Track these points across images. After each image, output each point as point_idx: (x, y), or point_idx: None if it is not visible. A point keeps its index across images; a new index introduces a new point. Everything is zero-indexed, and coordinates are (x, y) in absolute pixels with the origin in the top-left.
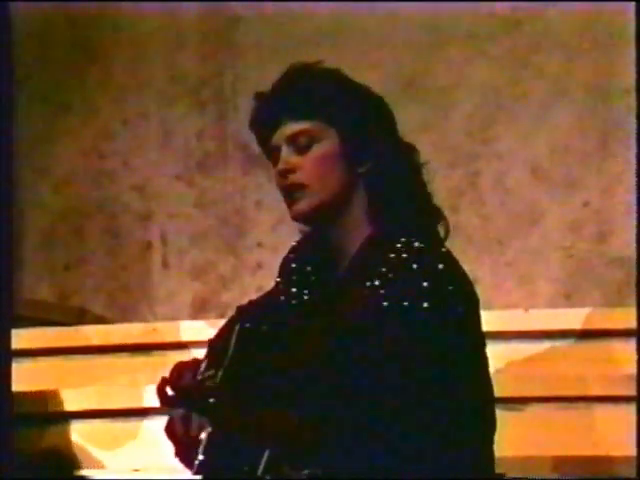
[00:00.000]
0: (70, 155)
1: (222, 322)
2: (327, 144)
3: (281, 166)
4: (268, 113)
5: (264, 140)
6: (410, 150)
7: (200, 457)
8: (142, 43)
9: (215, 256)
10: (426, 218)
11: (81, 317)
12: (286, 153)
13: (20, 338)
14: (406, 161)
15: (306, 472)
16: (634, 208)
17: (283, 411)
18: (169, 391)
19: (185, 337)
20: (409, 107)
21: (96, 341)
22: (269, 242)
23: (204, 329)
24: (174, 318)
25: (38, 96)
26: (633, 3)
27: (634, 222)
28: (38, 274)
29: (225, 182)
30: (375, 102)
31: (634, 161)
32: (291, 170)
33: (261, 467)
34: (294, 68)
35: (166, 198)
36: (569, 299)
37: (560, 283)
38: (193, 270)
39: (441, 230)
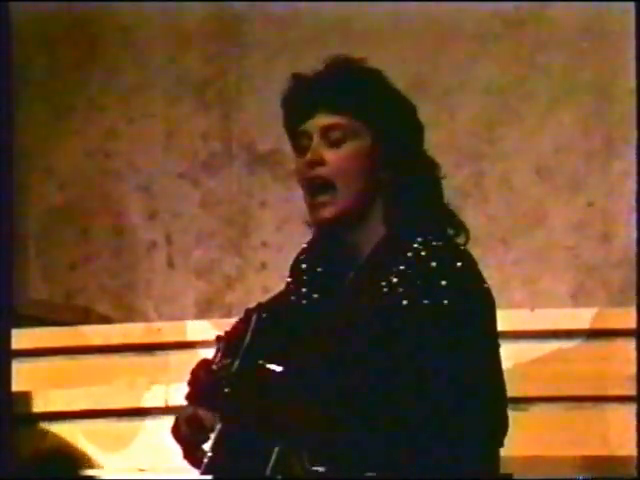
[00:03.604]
0: (75, 155)
1: (227, 322)
2: (360, 143)
3: (310, 157)
4: (306, 98)
5: (293, 122)
6: (432, 164)
7: (209, 454)
8: (146, 43)
9: (220, 256)
10: (443, 223)
11: (86, 317)
12: (317, 144)
13: (20, 338)
14: (427, 174)
15: (316, 470)
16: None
17: (299, 403)
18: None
19: (190, 337)
20: None
21: (100, 341)
22: (274, 242)
23: (209, 329)
24: (179, 318)
25: (43, 96)
26: (633, 3)
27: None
28: (43, 274)
29: (230, 182)
30: (411, 111)
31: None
32: (320, 162)
33: (270, 465)
34: (339, 60)
35: (171, 198)
36: (574, 299)
37: (565, 283)
38: (198, 270)
39: (460, 240)
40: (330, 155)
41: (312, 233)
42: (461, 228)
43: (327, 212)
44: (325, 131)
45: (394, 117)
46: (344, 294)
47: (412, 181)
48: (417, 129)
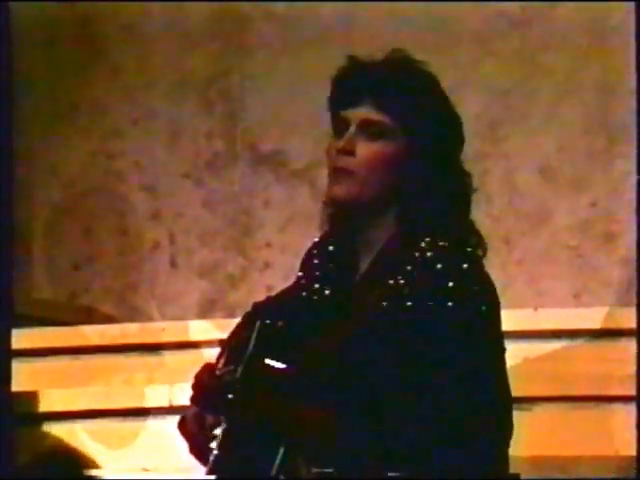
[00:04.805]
0: (79, 155)
1: (230, 322)
2: (393, 144)
3: (343, 145)
4: (355, 86)
5: (337, 105)
6: (463, 177)
7: (215, 452)
8: (151, 42)
9: (223, 256)
10: (457, 231)
11: (89, 316)
12: (353, 134)
13: (20, 338)
14: (453, 186)
15: (320, 471)
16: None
17: (302, 406)
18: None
19: (193, 337)
20: None
21: (103, 341)
22: (277, 242)
23: (212, 329)
24: (182, 318)
25: (46, 96)
26: (633, 3)
27: None
28: (47, 273)
29: (233, 182)
30: (454, 124)
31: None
32: (351, 153)
33: (275, 466)
34: (399, 57)
35: (174, 198)
36: (577, 298)
37: (568, 282)
38: (201, 270)
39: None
40: (363, 148)
41: (324, 228)
42: (479, 242)
43: (341, 191)
44: (364, 124)
45: (434, 129)
46: (353, 292)
47: (436, 190)
48: (456, 143)
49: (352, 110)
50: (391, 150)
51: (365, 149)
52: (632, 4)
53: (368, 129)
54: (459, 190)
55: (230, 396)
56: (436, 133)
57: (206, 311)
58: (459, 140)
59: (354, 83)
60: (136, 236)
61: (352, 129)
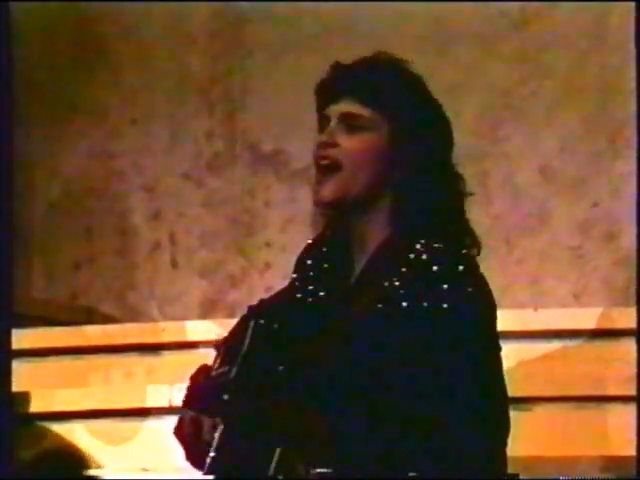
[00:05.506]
0: (79, 155)
1: (231, 322)
2: (375, 136)
3: (324, 138)
4: (335, 84)
5: (320, 105)
6: (456, 178)
7: (211, 455)
8: (151, 43)
9: (224, 256)
10: (451, 231)
11: (89, 316)
12: (334, 128)
13: (20, 338)
14: (446, 184)
15: (318, 471)
16: None
17: (298, 406)
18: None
19: (193, 337)
20: None
21: (103, 341)
22: (278, 242)
23: (212, 329)
24: (183, 318)
25: (47, 96)
26: (633, 3)
27: None
28: (47, 273)
29: (234, 182)
30: (440, 124)
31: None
32: (332, 144)
33: (272, 466)
34: (382, 55)
35: (175, 198)
36: (578, 299)
37: (569, 283)
38: (202, 270)
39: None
40: (344, 140)
41: (319, 229)
42: (473, 242)
43: (327, 191)
44: (344, 117)
45: (414, 117)
46: (348, 293)
47: (426, 186)
48: (443, 141)
49: (332, 106)
50: (373, 141)
51: (347, 141)
52: (632, 4)
53: (348, 122)
54: (452, 190)
55: (225, 397)
56: (417, 120)
57: (207, 311)
58: (446, 135)
59: (334, 82)
60: (136, 236)
61: (332, 123)
